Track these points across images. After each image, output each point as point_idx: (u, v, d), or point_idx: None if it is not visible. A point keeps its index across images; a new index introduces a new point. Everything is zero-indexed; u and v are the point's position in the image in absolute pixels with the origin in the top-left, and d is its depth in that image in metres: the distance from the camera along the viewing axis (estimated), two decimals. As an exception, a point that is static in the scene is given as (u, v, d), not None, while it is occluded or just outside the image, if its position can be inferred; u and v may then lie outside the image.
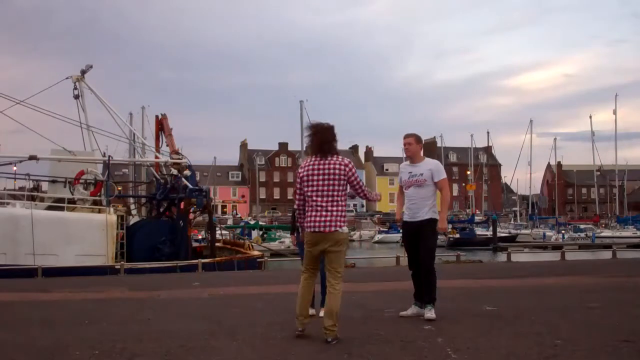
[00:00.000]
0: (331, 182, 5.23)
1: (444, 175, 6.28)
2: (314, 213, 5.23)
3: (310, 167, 5.31)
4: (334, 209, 5.22)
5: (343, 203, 5.30)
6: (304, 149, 49.12)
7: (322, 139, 5.33)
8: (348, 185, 5.35)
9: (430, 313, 6.05)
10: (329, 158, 5.30)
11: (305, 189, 5.31)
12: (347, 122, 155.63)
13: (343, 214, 5.27)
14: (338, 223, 5.20)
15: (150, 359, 4.70)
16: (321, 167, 5.27)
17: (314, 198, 5.24)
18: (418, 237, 6.21)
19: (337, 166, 5.26)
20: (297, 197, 5.47)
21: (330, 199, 5.22)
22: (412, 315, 6.26)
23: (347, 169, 5.29)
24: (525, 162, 76.53)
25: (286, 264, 25.51)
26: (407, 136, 6.39)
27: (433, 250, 6.33)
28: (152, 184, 25.81)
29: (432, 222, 6.20)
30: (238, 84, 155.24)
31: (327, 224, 5.18)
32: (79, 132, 22.26)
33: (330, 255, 5.23)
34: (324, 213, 5.20)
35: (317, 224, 5.20)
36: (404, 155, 6.55)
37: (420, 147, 6.43)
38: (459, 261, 17.76)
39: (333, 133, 5.38)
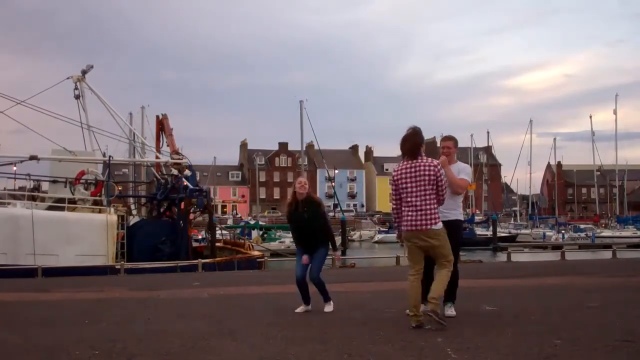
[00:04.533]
0: (421, 182, 5.69)
1: (469, 177, 6.51)
2: (410, 213, 5.69)
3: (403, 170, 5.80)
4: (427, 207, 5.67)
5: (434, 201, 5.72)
6: (303, 150, 48.55)
7: (413, 143, 5.81)
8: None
9: (451, 310, 6.27)
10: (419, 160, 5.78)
11: (400, 191, 5.79)
12: (347, 122, 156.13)
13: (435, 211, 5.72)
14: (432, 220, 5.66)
15: (150, 359, 4.70)
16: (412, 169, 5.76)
17: (409, 198, 5.72)
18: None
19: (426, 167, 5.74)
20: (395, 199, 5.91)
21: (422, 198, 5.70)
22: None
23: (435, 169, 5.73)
24: (525, 162, 76.50)
25: (286, 264, 25.51)
26: (446, 139, 6.56)
27: (459, 251, 6.60)
28: (153, 184, 25.81)
29: (459, 222, 6.47)
30: (238, 84, 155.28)
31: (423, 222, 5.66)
32: (80, 132, 22.29)
33: (435, 250, 5.72)
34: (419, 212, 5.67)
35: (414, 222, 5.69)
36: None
37: (455, 150, 6.63)
38: (458, 261, 17.72)
39: (422, 137, 5.87)
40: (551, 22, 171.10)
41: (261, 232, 48.28)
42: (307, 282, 6.94)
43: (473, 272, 12.68)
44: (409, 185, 5.71)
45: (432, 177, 5.67)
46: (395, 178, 5.82)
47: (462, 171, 6.46)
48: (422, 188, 5.66)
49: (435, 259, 5.81)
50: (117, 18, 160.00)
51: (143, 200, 26.98)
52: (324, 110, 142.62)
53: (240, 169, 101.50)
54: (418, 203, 5.65)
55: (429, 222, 5.62)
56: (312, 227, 6.79)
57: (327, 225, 6.99)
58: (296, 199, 6.83)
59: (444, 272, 5.71)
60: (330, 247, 6.96)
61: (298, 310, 6.94)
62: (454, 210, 6.38)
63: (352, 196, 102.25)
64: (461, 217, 6.56)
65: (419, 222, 5.63)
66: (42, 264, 15.33)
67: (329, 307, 6.92)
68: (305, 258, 6.82)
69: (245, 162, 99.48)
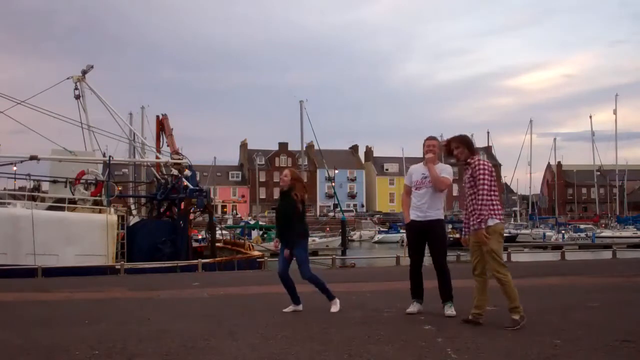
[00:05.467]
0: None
1: (450, 177, 6.63)
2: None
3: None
4: None
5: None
6: (303, 150, 48.32)
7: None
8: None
9: (451, 310, 6.39)
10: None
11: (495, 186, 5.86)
12: (347, 122, 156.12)
13: None
14: None
15: (150, 359, 4.71)
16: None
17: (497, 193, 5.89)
18: (428, 236, 6.51)
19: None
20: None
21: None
22: (417, 312, 6.49)
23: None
24: (525, 162, 76.42)
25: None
26: (431, 138, 6.67)
27: (446, 250, 6.76)
28: (153, 184, 25.82)
29: (442, 222, 6.63)
30: (238, 84, 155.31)
31: None
32: (80, 132, 22.27)
33: None
34: None
35: None
36: (424, 157, 6.65)
37: (439, 150, 6.73)
38: (459, 261, 17.75)
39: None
40: (551, 22, 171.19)
41: (261, 232, 48.28)
42: (292, 279, 6.97)
43: (473, 272, 12.70)
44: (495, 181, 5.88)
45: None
46: (492, 170, 5.86)
47: (444, 170, 6.60)
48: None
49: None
50: (117, 18, 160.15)
51: (143, 200, 26.98)
52: (324, 110, 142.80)
53: (240, 169, 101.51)
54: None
55: None
56: (284, 217, 6.87)
57: (297, 221, 6.82)
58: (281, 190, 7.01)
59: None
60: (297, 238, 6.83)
61: (286, 310, 6.94)
62: (438, 210, 6.60)
63: (352, 196, 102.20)
64: (442, 217, 6.73)
65: None
66: (42, 264, 15.33)
67: (334, 307, 6.85)
68: (285, 252, 6.84)
69: (245, 162, 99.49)
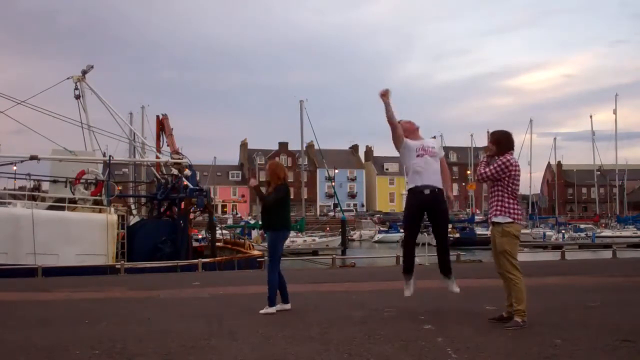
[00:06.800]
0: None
1: (441, 151, 6.85)
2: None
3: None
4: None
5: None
6: (303, 150, 48.19)
7: None
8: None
9: (456, 286, 6.60)
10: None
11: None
12: (347, 122, 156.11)
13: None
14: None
15: (150, 359, 4.71)
16: None
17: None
18: (434, 210, 6.48)
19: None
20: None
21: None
22: (412, 293, 6.61)
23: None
24: (525, 162, 76.24)
25: (285, 263, 25.49)
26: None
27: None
28: (153, 184, 25.82)
29: (444, 195, 6.62)
30: (238, 84, 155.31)
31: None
32: (80, 132, 22.26)
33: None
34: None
35: None
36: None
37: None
38: (459, 261, 17.71)
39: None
40: (551, 22, 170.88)
41: (261, 232, 48.26)
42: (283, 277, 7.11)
43: (473, 272, 12.70)
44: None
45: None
46: (512, 170, 5.74)
47: (439, 148, 6.75)
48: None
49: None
50: (117, 18, 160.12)
51: (143, 200, 26.98)
52: (324, 110, 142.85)
53: (241, 169, 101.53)
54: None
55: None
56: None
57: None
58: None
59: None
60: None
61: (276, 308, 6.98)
62: (438, 177, 6.63)
63: (352, 196, 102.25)
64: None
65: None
66: (42, 264, 15.33)
67: (265, 309, 6.86)
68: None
69: (246, 162, 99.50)
